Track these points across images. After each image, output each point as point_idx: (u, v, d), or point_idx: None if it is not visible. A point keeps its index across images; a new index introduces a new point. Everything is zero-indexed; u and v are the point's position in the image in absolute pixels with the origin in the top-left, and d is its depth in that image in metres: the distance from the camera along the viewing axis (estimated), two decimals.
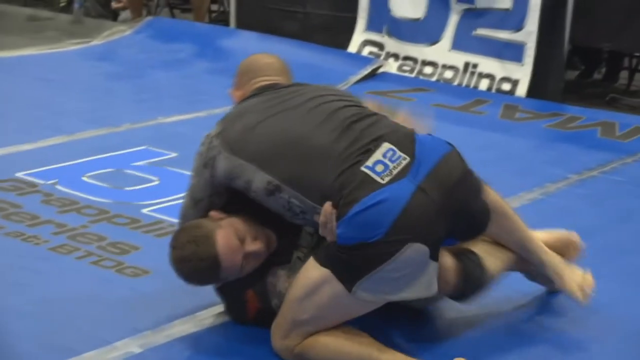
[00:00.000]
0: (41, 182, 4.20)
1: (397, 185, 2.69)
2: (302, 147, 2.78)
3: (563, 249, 3.21)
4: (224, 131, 2.87)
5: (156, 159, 4.58)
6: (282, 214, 2.80)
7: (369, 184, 2.68)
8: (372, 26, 6.98)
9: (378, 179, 2.69)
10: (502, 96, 6.27)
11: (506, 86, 6.38)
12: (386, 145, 2.77)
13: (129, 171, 4.42)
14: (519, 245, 3.08)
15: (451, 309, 3.12)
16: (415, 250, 2.68)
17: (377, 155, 2.74)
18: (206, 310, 3.07)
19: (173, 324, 2.98)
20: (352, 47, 7.00)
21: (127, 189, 4.18)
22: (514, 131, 5.58)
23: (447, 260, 2.89)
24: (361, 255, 2.68)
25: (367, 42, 6.98)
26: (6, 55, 6.90)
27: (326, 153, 2.75)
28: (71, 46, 7.30)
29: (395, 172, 2.71)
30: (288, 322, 2.78)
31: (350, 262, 2.69)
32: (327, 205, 2.69)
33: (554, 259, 3.13)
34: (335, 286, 2.71)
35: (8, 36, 7.68)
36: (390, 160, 2.74)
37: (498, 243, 3.07)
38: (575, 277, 3.12)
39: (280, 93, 2.97)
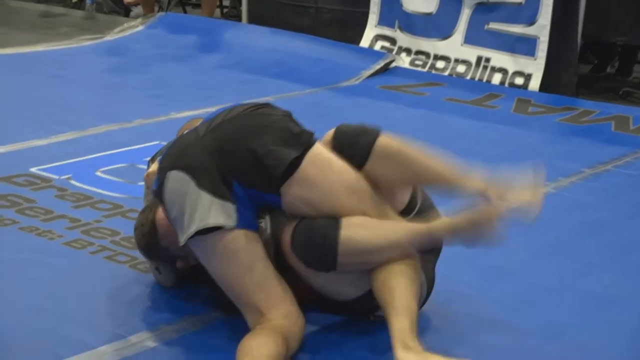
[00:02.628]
0: (55, 177, 4.21)
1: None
2: None
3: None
4: None
5: None
6: None
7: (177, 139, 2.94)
8: (384, 21, 6.99)
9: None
10: (515, 90, 6.26)
11: (519, 80, 6.37)
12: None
13: (142, 166, 4.42)
14: (426, 176, 2.83)
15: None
16: (174, 178, 2.73)
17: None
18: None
19: (187, 319, 2.98)
20: (364, 42, 6.99)
21: (141, 183, 4.15)
22: (527, 125, 5.57)
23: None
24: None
25: (379, 37, 6.98)
26: (19, 51, 6.91)
27: None
28: (84, 42, 7.32)
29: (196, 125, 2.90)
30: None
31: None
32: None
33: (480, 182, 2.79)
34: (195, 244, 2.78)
35: (21, 32, 7.71)
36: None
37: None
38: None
39: None
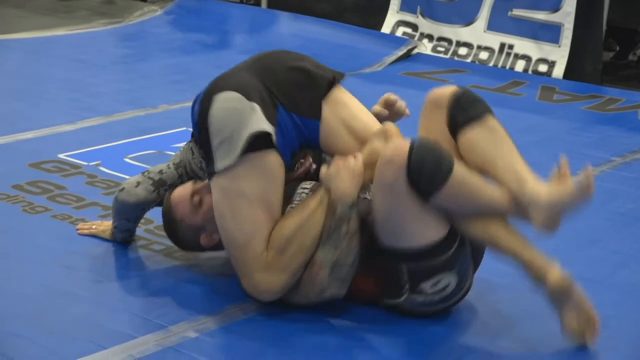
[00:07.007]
0: (84, 163, 4.19)
1: None
2: None
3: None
4: None
5: None
6: None
7: None
8: (405, 7, 6.93)
9: None
10: (539, 77, 6.22)
11: (543, 67, 6.32)
12: None
13: (170, 153, 4.40)
14: (510, 170, 2.88)
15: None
16: (223, 97, 2.79)
17: None
18: None
19: (227, 309, 2.96)
20: (386, 28, 6.95)
21: None
22: (553, 113, 5.53)
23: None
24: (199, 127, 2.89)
25: (400, 23, 6.93)
26: (38, 35, 6.87)
27: None
28: (102, 26, 7.27)
29: None
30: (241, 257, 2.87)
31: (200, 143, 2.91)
32: None
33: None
34: (215, 182, 2.85)
35: (39, 17, 7.66)
36: None
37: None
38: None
39: None
